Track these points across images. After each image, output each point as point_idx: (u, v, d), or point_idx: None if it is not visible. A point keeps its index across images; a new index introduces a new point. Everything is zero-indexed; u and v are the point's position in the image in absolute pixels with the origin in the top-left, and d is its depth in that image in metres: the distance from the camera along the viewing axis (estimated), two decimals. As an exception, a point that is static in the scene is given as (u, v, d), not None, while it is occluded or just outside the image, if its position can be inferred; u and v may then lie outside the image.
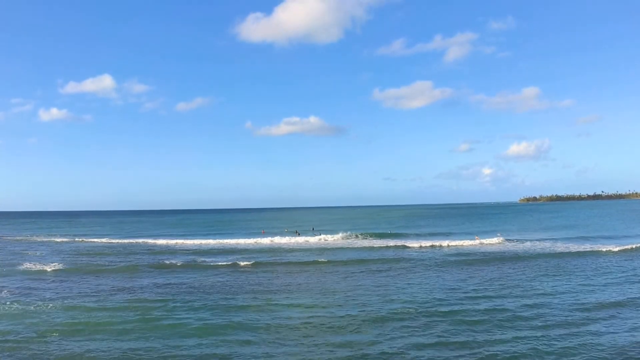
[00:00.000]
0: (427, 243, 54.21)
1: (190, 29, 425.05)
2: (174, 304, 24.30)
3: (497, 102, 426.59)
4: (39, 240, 75.81)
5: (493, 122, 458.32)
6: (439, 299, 24.61)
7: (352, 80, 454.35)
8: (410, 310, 22.19)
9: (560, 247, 48.49)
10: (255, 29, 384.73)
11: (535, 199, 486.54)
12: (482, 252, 45.47)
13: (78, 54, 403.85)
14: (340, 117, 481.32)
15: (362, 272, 34.84)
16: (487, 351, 16.56)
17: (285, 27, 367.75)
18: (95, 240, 72.40)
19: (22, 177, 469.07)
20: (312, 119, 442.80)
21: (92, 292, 28.03)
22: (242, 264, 39.67)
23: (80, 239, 73.91)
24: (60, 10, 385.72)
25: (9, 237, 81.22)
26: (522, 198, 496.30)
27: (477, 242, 54.61)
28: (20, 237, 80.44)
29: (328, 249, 51.80)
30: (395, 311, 22.07)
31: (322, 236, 65.89)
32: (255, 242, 61.34)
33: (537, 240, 56.66)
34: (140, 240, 69.74)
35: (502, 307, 22.64)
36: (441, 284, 29.40)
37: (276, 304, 24.19)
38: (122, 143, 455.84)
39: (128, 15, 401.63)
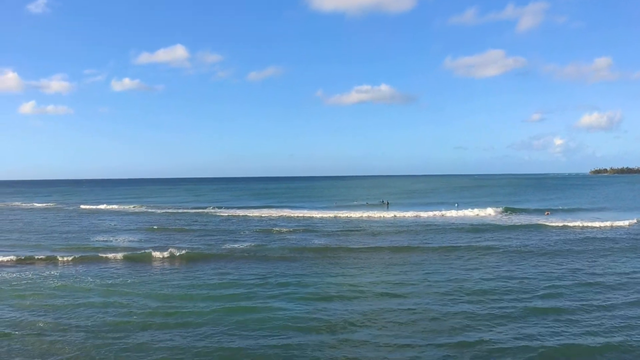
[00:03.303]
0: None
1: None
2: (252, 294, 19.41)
3: (568, 72, 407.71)
4: (111, 209, 74.69)
5: (565, 92, 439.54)
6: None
7: (423, 49, 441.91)
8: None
9: None
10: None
11: (605, 170, 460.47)
12: None
13: (151, 25, 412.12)
14: (412, 85, 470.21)
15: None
16: None
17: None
18: (171, 210, 70.05)
19: (94, 145, 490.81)
20: (383, 87, 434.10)
21: (176, 275, 23.78)
22: (327, 245, 34.71)
23: (156, 209, 71.89)
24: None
25: (84, 206, 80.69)
26: (592, 170, 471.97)
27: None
28: (91, 207, 79.67)
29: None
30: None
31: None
32: (335, 216, 56.44)
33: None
34: (208, 210, 67.06)
35: None
36: None
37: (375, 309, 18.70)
38: (193, 112, 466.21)
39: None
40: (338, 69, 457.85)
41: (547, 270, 24.72)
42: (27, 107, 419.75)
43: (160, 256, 29.56)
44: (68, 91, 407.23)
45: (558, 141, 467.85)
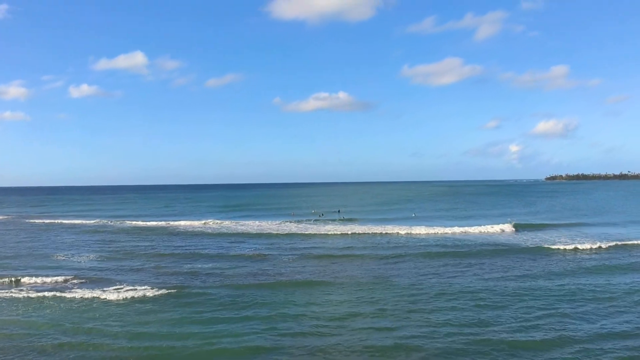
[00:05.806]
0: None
1: (223, 6, 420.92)
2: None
3: (525, 80, 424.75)
4: (66, 222, 72.09)
5: (521, 99, 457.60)
6: None
7: (382, 57, 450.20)
8: None
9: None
10: (287, 6, 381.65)
11: (561, 177, 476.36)
12: None
13: (111, 31, 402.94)
14: (369, 93, 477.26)
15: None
16: None
17: (317, 5, 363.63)
18: (127, 223, 68.00)
19: (51, 152, 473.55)
20: (341, 95, 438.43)
21: (128, 315, 22.89)
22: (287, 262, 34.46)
23: (113, 221, 69.72)
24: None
25: (34, 220, 77.60)
26: (548, 176, 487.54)
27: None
28: (47, 220, 76.72)
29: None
30: None
31: None
32: (295, 233, 55.45)
33: None
34: (166, 223, 66.24)
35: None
36: None
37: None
38: (152, 119, 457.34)
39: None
40: (296, 77, 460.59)
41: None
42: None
43: (111, 297, 26.46)
44: (25, 97, 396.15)
45: (514, 148, 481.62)
